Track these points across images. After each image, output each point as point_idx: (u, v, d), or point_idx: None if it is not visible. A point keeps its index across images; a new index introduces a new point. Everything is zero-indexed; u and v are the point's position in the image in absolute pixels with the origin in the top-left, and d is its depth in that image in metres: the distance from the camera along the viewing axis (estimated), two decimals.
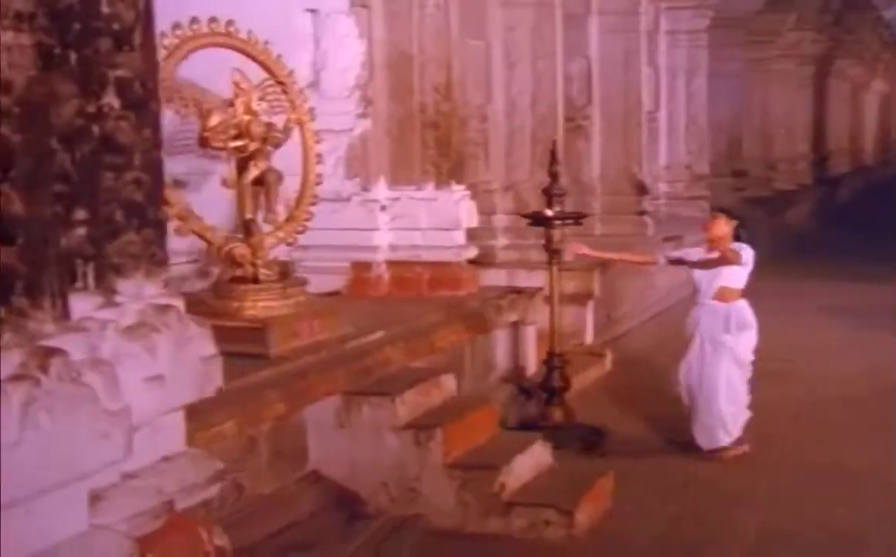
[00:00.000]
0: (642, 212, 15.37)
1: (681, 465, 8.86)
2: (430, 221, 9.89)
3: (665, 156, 18.44)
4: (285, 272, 7.79)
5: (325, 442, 7.49)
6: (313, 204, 8.29)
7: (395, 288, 9.89)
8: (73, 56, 4.16)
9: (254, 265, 7.56)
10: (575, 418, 9.61)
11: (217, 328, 7.19)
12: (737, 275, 9.09)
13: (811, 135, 29.90)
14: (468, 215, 10.03)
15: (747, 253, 9.05)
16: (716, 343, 9.05)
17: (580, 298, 12.02)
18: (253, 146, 7.60)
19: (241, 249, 7.57)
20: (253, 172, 7.63)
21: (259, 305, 7.51)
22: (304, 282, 7.95)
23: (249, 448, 6.88)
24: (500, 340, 10.24)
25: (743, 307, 9.13)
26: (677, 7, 17.88)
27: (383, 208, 9.90)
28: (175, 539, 4.60)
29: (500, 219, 11.43)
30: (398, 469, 7.43)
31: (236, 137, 7.54)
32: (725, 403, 8.97)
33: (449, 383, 8.26)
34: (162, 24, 7.03)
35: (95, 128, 4.28)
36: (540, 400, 9.73)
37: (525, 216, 10.30)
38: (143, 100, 4.50)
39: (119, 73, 4.38)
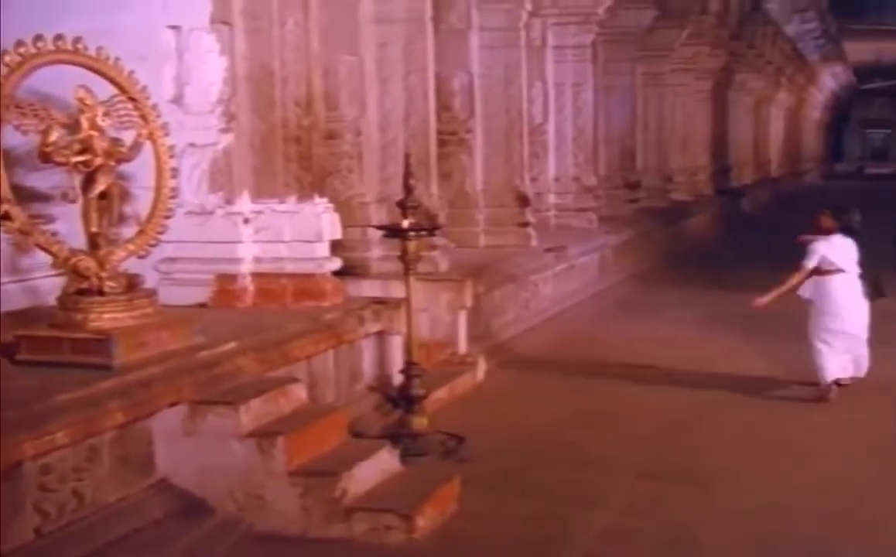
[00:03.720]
0: (525, 224, 15.63)
1: (539, 469, 9.05)
2: (293, 234, 10.03)
3: (554, 169, 18.77)
4: (132, 284, 7.89)
5: (172, 451, 7.60)
6: (167, 217, 8.41)
7: (260, 299, 10.02)
8: None
9: (99, 277, 7.66)
10: (435, 426, 9.77)
11: (62, 339, 7.45)
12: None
13: (711, 147, 30.36)
14: (331, 227, 10.19)
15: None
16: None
17: (453, 308, 12.20)
18: (97, 161, 7.71)
19: (86, 262, 7.67)
20: (97, 187, 7.75)
21: (104, 317, 7.59)
22: (151, 294, 8.08)
23: (90, 457, 6.98)
24: (367, 350, 10.40)
25: None
26: (563, 22, 18.22)
27: (247, 221, 10.02)
28: None
29: (375, 231, 11.54)
30: (244, 476, 7.55)
31: (80, 153, 7.65)
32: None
33: (299, 392, 8.39)
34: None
35: None
36: (400, 409, 9.90)
37: (380, 228, 10.52)
38: None
39: None
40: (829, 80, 64.31)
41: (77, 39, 7.78)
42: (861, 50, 56.36)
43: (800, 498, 8.31)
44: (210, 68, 9.99)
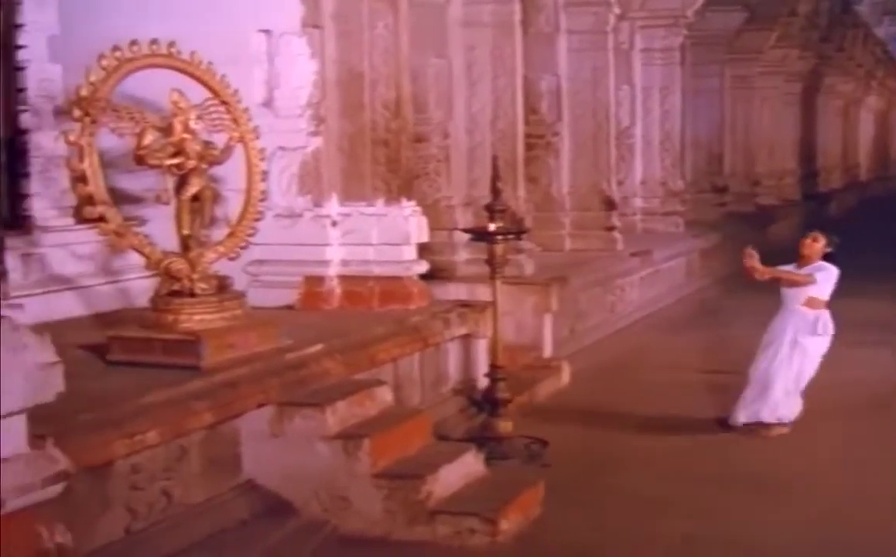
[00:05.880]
0: (611, 228, 15.60)
1: (620, 475, 9.05)
2: (380, 237, 10.08)
3: (640, 172, 18.70)
4: (223, 286, 7.96)
5: (259, 452, 7.67)
6: (257, 220, 8.47)
7: (346, 302, 10.08)
8: None
9: (190, 279, 7.75)
10: (519, 430, 9.79)
11: (153, 340, 7.56)
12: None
13: (799, 151, 30.07)
14: (418, 230, 10.22)
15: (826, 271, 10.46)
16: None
17: (539, 312, 12.22)
18: (190, 164, 7.81)
19: (178, 264, 7.76)
20: (190, 190, 7.84)
21: (194, 318, 7.67)
22: (241, 296, 8.15)
23: (179, 456, 7.06)
24: (452, 353, 10.42)
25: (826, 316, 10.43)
26: (651, 26, 18.16)
27: (335, 224, 10.09)
28: (8, 536, 4.82)
29: (461, 235, 11.59)
30: (329, 477, 7.61)
31: (173, 155, 7.75)
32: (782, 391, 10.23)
33: (384, 394, 8.44)
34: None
35: None
36: (485, 412, 9.93)
37: (467, 231, 10.56)
38: None
39: None
40: None
41: (171, 43, 7.88)
42: None
43: None
44: (300, 72, 10.08)
